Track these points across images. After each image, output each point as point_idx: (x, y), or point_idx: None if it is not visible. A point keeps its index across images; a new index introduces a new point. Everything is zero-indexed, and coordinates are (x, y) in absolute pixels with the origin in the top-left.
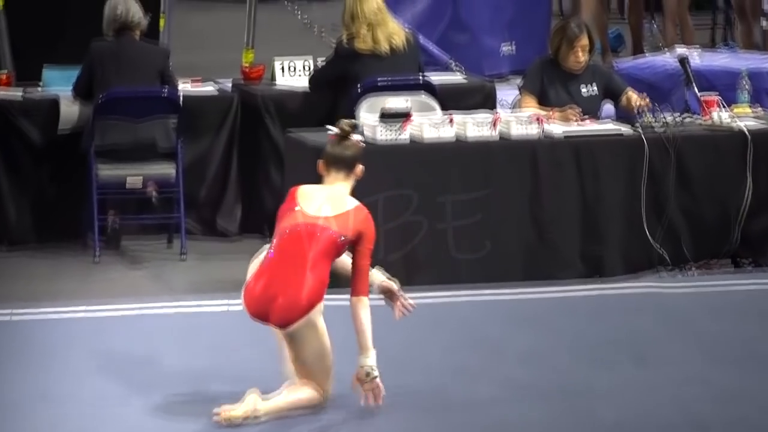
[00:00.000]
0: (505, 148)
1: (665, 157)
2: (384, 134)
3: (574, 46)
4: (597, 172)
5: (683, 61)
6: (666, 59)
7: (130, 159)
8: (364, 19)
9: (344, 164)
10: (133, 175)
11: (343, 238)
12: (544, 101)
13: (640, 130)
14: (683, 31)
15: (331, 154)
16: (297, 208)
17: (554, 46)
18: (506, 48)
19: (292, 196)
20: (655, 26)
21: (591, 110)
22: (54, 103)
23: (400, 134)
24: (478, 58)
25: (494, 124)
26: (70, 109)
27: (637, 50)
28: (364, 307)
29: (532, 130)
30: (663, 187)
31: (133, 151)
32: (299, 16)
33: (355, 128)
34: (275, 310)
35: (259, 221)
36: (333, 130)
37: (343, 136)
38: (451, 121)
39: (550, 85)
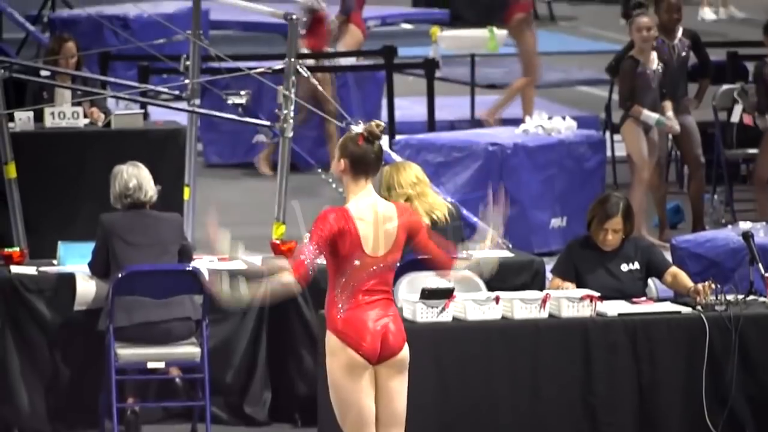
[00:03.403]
0: (555, 328)
1: (727, 340)
2: (425, 314)
3: (604, 227)
4: (654, 355)
5: (747, 236)
6: (729, 235)
7: (152, 340)
8: (402, 192)
9: (376, 170)
10: (155, 358)
11: (395, 262)
12: (582, 286)
13: (700, 310)
14: None
15: (365, 160)
16: (363, 251)
17: (588, 219)
18: (556, 222)
19: (353, 232)
20: (716, 199)
21: (634, 288)
22: (70, 280)
23: (442, 314)
24: (527, 233)
25: (543, 303)
26: (87, 285)
27: (698, 225)
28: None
29: (584, 311)
30: (725, 372)
31: (155, 332)
32: (334, 186)
33: (384, 131)
34: (388, 342)
35: (290, 408)
36: (359, 130)
37: (374, 140)
38: (497, 299)
39: (586, 268)
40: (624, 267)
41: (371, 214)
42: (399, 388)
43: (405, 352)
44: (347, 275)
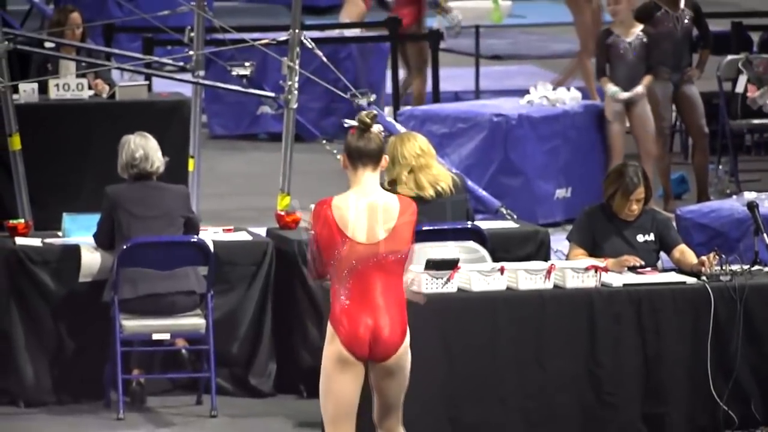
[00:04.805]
0: (560, 299)
1: (732, 310)
2: (429, 285)
3: (629, 198)
4: (659, 325)
5: (752, 207)
6: (733, 205)
7: (156, 312)
8: (405, 163)
9: (371, 158)
10: (160, 329)
11: (402, 256)
12: (598, 253)
13: (705, 280)
14: None
15: (356, 149)
16: (348, 237)
17: (608, 192)
18: (561, 193)
19: (330, 219)
20: (721, 169)
21: (649, 259)
22: (75, 252)
23: (446, 285)
24: (531, 204)
25: (548, 274)
26: (92, 257)
27: (702, 196)
28: None
29: (589, 281)
30: (730, 342)
31: (160, 304)
32: (339, 158)
33: (374, 119)
34: (379, 346)
35: (295, 380)
36: (352, 123)
37: (365, 128)
38: (501, 270)
39: (603, 236)
40: (640, 237)
41: (357, 201)
42: (391, 385)
43: (398, 357)
44: (337, 263)
